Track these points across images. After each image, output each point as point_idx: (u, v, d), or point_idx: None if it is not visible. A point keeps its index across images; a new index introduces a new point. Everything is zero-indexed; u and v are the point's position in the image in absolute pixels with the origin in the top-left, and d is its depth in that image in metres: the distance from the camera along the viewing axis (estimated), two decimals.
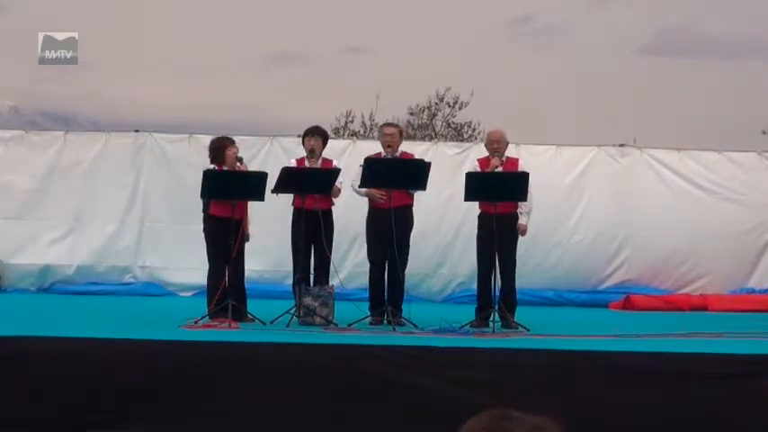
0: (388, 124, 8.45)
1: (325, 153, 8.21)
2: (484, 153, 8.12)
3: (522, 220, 7.76)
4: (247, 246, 7.96)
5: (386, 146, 7.88)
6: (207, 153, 8.07)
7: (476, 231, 7.91)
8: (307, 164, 7.98)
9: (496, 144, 7.83)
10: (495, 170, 7.70)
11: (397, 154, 7.89)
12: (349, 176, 7.94)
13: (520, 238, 7.85)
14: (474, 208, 8.06)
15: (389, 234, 7.37)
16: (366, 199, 7.88)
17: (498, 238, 7.33)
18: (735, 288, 11.50)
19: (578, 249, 11.49)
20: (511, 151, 8.35)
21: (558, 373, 5.32)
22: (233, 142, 7.96)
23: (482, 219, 7.80)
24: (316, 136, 8.03)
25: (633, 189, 11.63)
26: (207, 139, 8.52)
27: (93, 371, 5.26)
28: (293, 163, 8.04)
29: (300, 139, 8.36)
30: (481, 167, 7.85)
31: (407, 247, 7.76)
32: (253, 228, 8.13)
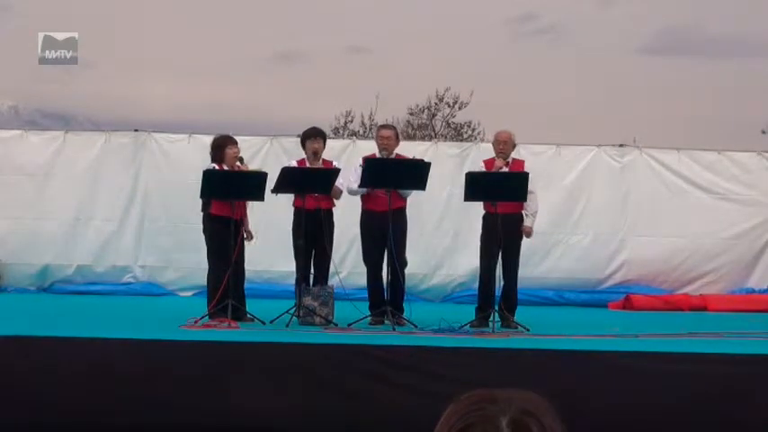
0: (384, 126, 8.43)
1: (325, 153, 8.20)
2: (483, 153, 8.12)
3: (526, 222, 7.76)
4: (247, 246, 7.96)
5: (381, 148, 7.87)
6: (207, 153, 8.09)
7: (479, 231, 7.89)
8: (308, 165, 7.96)
9: (502, 145, 7.82)
10: (500, 171, 7.70)
11: (393, 156, 7.87)
12: (346, 177, 7.92)
13: (524, 238, 7.85)
14: (473, 208, 8.05)
15: (385, 236, 7.37)
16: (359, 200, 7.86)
17: (502, 238, 7.34)
18: (734, 288, 11.50)
19: (578, 249, 11.49)
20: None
21: (558, 372, 5.32)
22: (235, 142, 7.95)
23: (486, 219, 7.79)
24: (318, 138, 8.00)
25: (633, 189, 11.63)
26: (207, 139, 8.53)
27: (93, 371, 5.26)
28: (294, 164, 8.02)
29: (300, 141, 8.32)
30: (486, 168, 7.84)
31: (404, 248, 7.76)
32: (252, 227, 8.14)
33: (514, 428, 1.28)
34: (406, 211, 7.90)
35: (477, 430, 1.30)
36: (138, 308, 9.21)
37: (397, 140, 8.06)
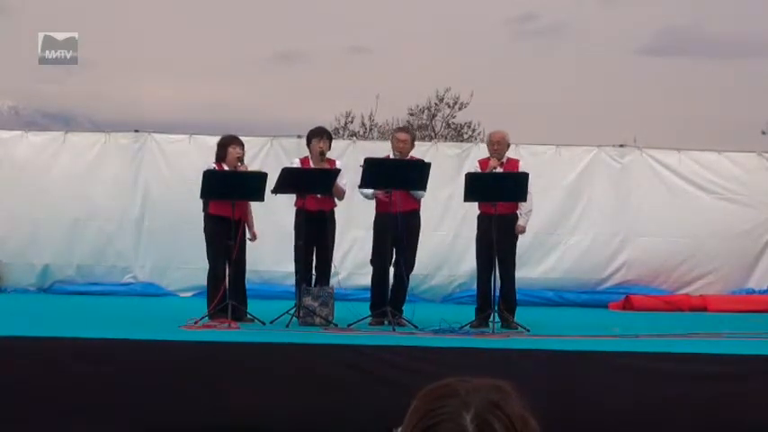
0: (401, 129, 8.47)
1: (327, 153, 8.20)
2: (483, 153, 8.12)
3: (520, 221, 7.77)
4: (247, 245, 7.96)
5: (396, 150, 7.85)
6: (207, 153, 8.10)
7: (475, 232, 7.91)
8: (312, 165, 7.94)
9: (497, 145, 7.84)
10: (494, 171, 7.71)
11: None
12: (349, 177, 7.92)
13: (519, 237, 7.86)
14: (474, 208, 8.06)
15: (396, 238, 7.36)
16: (373, 202, 7.85)
17: (497, 238, 7.34)
18: (735, 288, 11.50)
19: (578, 249, 11.49)
20: (511, 151, 8.34)
21: (557, 373, 5.32)
22: (239, 143, 7.93)
23: (481, 219, 7.80)
24: (324, 138, 7.98)
25: (633, 189, 11.62)
26: (207, 140, 8.55)
27: (93, 371, 5.26)
28: (297, 163, 8.01)
29: (304, 140, 8.30)
30: (481, 168, 7.86)
31: (415, 251, 7.75)
32: (256, 228, 8.14)
33: (479, 424, 1.25)
34: (420, 213, 7.86)
35: (441, 430, 1.26)
36: (138, 308, 9.21)
37: (413, 145, 8.05)
